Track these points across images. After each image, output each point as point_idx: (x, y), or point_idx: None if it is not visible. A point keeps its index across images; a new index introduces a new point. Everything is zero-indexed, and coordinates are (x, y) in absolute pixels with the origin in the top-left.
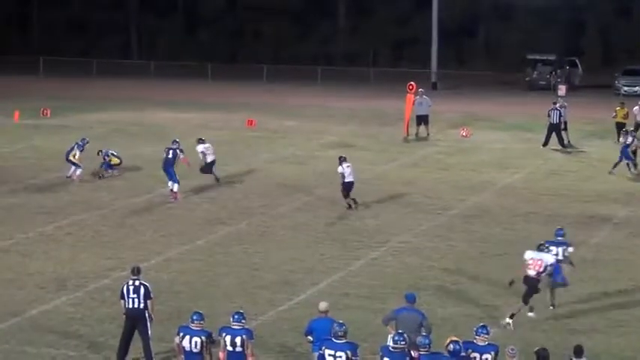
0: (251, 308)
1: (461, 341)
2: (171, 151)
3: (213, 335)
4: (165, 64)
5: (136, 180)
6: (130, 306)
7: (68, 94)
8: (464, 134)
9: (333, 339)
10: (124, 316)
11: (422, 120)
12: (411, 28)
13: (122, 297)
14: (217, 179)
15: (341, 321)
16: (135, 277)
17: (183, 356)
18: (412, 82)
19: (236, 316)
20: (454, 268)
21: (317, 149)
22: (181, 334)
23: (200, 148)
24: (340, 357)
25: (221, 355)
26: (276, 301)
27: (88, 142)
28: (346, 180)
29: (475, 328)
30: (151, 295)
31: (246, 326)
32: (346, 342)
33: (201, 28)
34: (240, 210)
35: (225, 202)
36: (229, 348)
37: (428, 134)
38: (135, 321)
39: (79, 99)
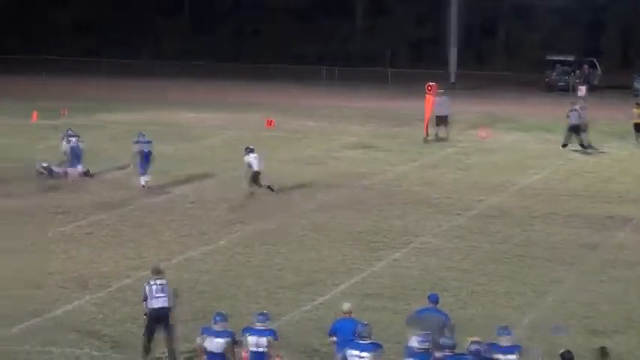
0: (274, 309)
1: (483, 342)
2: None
3: (236, 336)
4: (173, 64)
5: (156, 179)
6: (158, 306)
7: (80, 94)
8: (483, 135)
9: (357, 339)
10: (147, 316)
11: (441, 120)
12: (429, 27)
13: (146, 298)
14: (268, 187)
15: (365, 322)
16: (157, 277)
17: (205, 357)
18: (431, 83)
19: (260, 317)
20: (474, 268)
21: (336, 150)
22: (204, 336)
23: (249, 158)
24: (364, 357)
25: (244, 355)
26: (299, 302)
27: (73, 135)
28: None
29: (497, 329)
30: (177, 294)
31: (270, 326)
32: (370, 342)
33: (206, 28)
34: (261, 210)
35: (245, 202)
36: (253, 348)
37: (447, 135)
38: (161, 320)
39: (92, 99)
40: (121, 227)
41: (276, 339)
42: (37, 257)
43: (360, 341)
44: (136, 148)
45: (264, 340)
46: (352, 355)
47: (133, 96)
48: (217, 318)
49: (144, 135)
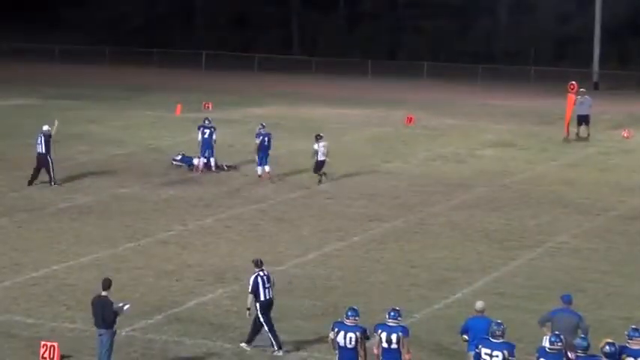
0: (406, 306)
1: (617, 344)
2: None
3: (368, 332)
4: (326, 60)
5: (294, 175)
6: (268, 297)
7: (229, 88)
8: (625, 135)
9: (490, 338)
10: (259, 307)
11: (583, 120)
12: (572, 25)
13: (256, 289)
14: (320, 181)
15: (499, 320)
16: (262, 268)
17: (337, 351)
18: (573, 82)
19: (392, 313)
20: (612, 270)
21: (476, 147)
22: (336, 330)
23: (318, 145)
24: (497, 357)
25: (375, 351)
26: (431, 300)
27: (207, 127)
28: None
29: (627, 331)
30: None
31: (402, 323)
32: (504, 342)
33: (362, 24)
34: (398, 207)
35: (383, 199)
36: (385, 345)
37: (588, 134)
38: (269, 310)
39: (240, 93)
40: (259, 221)
41: (406, 335)
42: (176, 249)
43: (493, 340)
44: (258, 139)
45: (394, 337)
46: (485, 354)
47: (281, 91)
48: (349, 313)
49: (264, 126)
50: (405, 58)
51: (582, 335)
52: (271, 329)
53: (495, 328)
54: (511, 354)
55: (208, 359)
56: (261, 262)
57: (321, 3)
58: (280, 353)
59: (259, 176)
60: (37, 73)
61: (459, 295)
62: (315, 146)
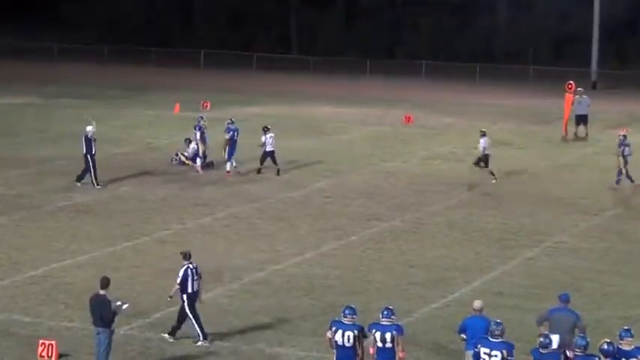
0: (404, 305)
1: (615, 344)
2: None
3: (365, 330)
4: (324, 59)
5: (292, 174)
6: (195, 289)
7: (228, 87)
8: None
9: (489, 337)
10: (185, 299)
11: (581, 120)
12: (571, 25)
13: (185, 281)
14: (279, 171)
15: (498, 320)
16: (190, 261)
17: (335, 350)
18: (571, 82)
19: (385, 312)
20: (610, 269)
21: (474, 146)
22: (334, 328)
23: (266, 137)
24: (496, 356)
25: (371, 350)
26: (429, 299)
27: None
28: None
29: (619, 332)
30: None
31: (396, 322)
32: (502, 341)
33: (360, 22)
34: (396, 206)
35: (381, 198)
36: (379, 344)
37: (587, 134)
38: (195, 302)
39: (239, 92)
40: (257, 220)
41: (400, 334)
42: (175, 248)
43: (492, 339)
44: (228, 134)
45: (388, 336)
46: (484, 353)
47: (279, 90)
48: (347, 311)
49: (233, 121)
50: (403, 57)
51: (581, 334)
52: (197, 320)
53: (494, 327)
54: (510, 353)
55: (205, 358)
56: (189, 254)
57: (319, 1)
58: (206, 343)
59: (227, 172)
60: (36, 71)
61: (457, 294)
62: (263, 138)
